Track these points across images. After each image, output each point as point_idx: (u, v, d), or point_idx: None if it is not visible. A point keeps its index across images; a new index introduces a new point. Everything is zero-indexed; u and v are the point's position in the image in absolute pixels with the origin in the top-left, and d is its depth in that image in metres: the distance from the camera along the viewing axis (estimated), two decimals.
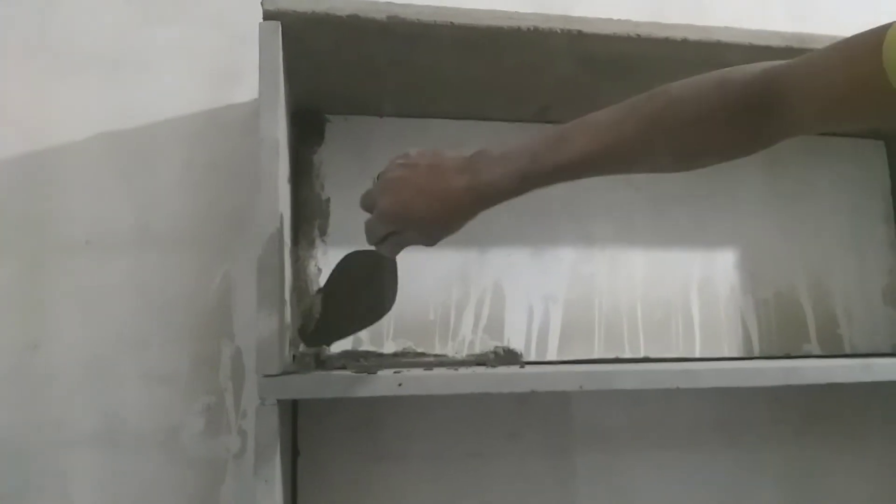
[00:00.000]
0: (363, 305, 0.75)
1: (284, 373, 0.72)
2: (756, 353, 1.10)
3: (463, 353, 1.01)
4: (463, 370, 0.77)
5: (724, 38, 0.84)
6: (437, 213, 0.67)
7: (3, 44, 0.97)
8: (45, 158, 0.96)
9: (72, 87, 0.98)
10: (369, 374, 0.72)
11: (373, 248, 0.73)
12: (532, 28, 0.79)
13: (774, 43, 0.86)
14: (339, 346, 0.98)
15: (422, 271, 1.02)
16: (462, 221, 0.68)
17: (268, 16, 0.74)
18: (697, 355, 1.07)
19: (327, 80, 0.91)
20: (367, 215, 0.73)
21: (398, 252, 0.73)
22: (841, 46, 0.52)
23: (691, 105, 0.62)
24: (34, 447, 0.91)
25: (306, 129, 1.01)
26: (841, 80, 0.51)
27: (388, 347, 0.99)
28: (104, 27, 0.99)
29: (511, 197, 0.68)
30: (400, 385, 0.71)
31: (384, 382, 0.71)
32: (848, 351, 1.12)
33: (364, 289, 0.76)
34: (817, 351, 1.11)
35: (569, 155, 0.67)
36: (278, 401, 0.69)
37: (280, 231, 0.72)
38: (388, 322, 1.00)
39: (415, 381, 0.72)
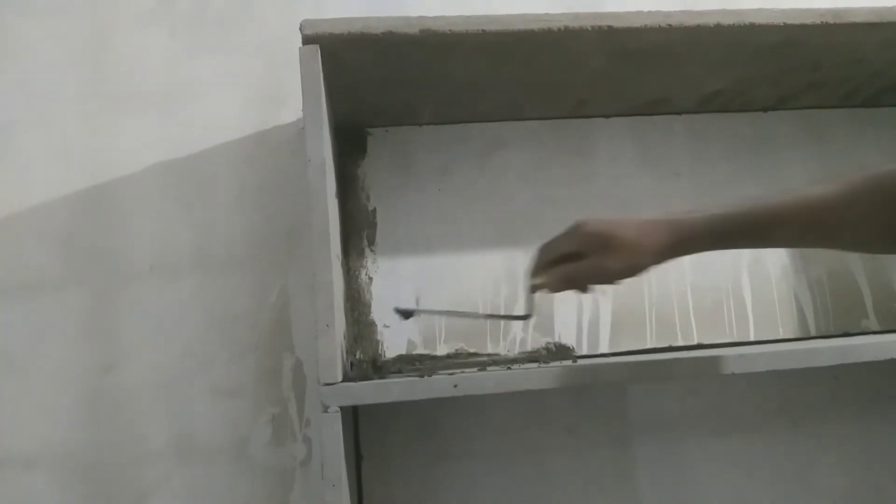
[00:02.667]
0: None
1: (344, 380, 0.75)
2: (812, 333, 1.08)
3: (515, 352, 1.02)
4: (516, 368, 0.79)
5: (758, 19, 0.83)
6: (645, 239, 0.68)
7: (61, 87, 1.03)
8: (108, 191, 1.01)
9: (128, 123, 1.03)
10: (424, 377, 0.74)
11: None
12: (563, 28, 0.80)
13: (809, 20, 0.84)
14: (393, 351, 1.01)
15: (470, 272, 1.04)
16: (662, 254, 0.69)
17: (307, 40, 0.77)
18: (752, 339, 1.06)
19: (366, 95, 0.94)
20: None
21: (567, 289, 0.73)
22: None
23: None
24: (113, 465, 0.96)
25: (349, 143, 1.04)
26: None
27: (441, 350, 1.02)
28: (153, 63, 1.04)
29: (707, 243, 0.69)
30: (455, 386, 0.73)
31: (440, 384, 0.74)
32: None
33: None
34: (876, 327, 1.09)
35: (767, 208, 0.66)
36: (340, 407, 0.72)
37: (331, 246, 0.75)
38: (439, 324, 1.02)
39: (469, 381, 0.74)
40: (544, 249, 0.73)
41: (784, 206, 0.65)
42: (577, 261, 0.70)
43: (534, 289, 0.74)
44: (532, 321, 1.02)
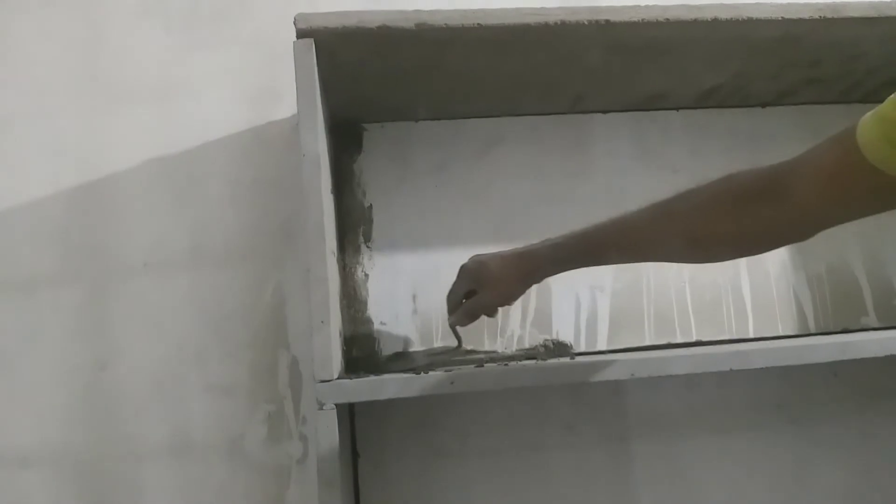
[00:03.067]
0: None
1: (340, 377, 0.74)
2: (812, 330, 1.07)
3: (513, 349, 1.02)
4: (513, 365, 0.78)
5: (755, 14, 0.83)
6: (506, 273, 0.82)
7: (56, 81, 1.02)
8: (102, 187, 1.00)
9: (122, 118, 1.02)
10: (420, 373, 0.74)
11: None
12: (559, 22, 0.80)
13: (807, 15, 0.84)
14: (389, 348, 1.00)
15: None
16: (522, 283, 0.83)
17: (301, 34, 0.76)
18: (751, 335, 1.06)
19: (362, 90, 0.94)
20: None
21: (471, 321, 0.87)
22: (833, 135, 0.59)
23: (700, 192, 0.68)
24: (108, 463, 0.95)
25: (345, 139, 1.03)
26: (829, 161, 0.59)
27: (438, 345, 1.01)
28: (148, 58, 1.04)
29: (552, 268, 0.82)
30: (452, 383, 0.73)
31: (436, 381, 0.73)
32: None
33: None
34: (875, 324, 1.08)
35: (593, 232, 0.76)
36: (336, 405, 0.71)
37: (326, 242, 0.74)
38: (436, 322, 1.01)
39: (466, 378, 0.73)
40: (449, 296, 0.88)
41: (608, 230, 0.75)
42: (468, 297, 0.86)
43: (451, 325, 0.90)
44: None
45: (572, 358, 0.87)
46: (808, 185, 0.60)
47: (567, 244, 0.78)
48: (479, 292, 0.84)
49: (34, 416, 0.95)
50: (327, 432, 0.71)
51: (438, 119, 1.05)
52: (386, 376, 0.75)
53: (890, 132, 0.55)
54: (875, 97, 1.10)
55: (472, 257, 0.86)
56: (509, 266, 0.82)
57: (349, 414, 0.96)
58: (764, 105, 1.11)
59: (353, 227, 1.02)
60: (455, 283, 0.87)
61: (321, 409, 0.71)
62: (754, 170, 0.65)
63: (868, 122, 0.57)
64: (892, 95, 0.56)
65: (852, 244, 1.10)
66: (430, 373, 0.74)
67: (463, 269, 0.86)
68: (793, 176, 0.61)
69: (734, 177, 0.66)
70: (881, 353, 0.78)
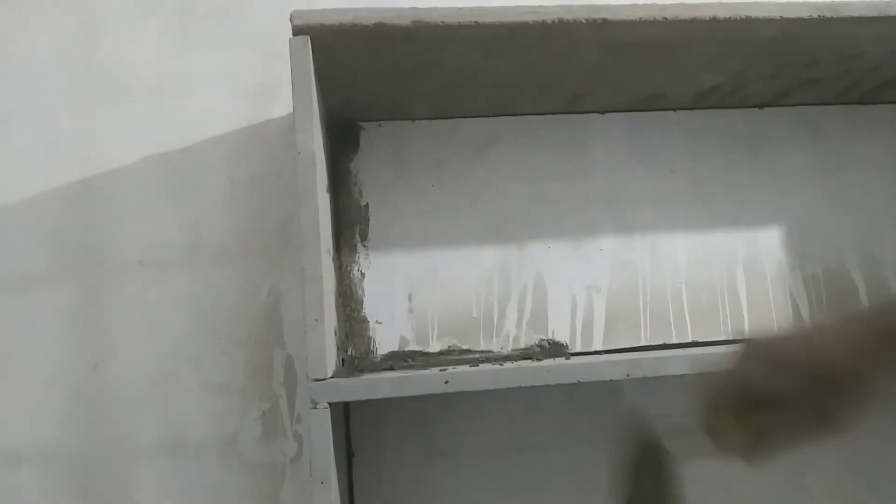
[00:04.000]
0: None
1: (334, 376, 0.74)
2: None
3: (508, 348, 1.01)
4: (508, 365, 0.78)
5: (754, 13, 0.82)
6: (858, 361, 0.47)
7: (51, 77, 1.02)
8: (97, 185, 1.00)
9: (118, 115, 1.01)
10: (415, 371, 0.73)
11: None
12: (557, 20, 0.79)
13: (806, 14, 0.83)
14: (385, 348, 1.00)
15: (464, 268, 1.03)
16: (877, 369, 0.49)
17: (297, 31, 0.76)
18: (748, 336, 1.06)
19: (359, 88, 0.93)
20: None
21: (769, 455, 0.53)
22: None
23: None
24: (102, 461, 0.95)
25: (342, 138, 1.03)
26: None
27: (434, 346, 1.01)
28: (144, 55, 1.03)
29: None
30: (447, 383, 0.72)
31: (431, 381, 0.73)
32: None
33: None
34: None
35: None
36: (330, 404, 0.71)
37: (321, 241, 0.74)
38: (432, 321, 1.01)
39: (461, 377, 0.73)
40: (721, 392, 0.53)
41: None
42: (770, 407, 0.50)
43: (727, 446, 0.55)
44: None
45: (567, 358, 0.87)
46: None
47: None
48: (806, 399, 0.49)
49: (28, 413, 0.95)
50: (321, 431, 0.71)
51: (435, 118, 1.05)
52: (380, 375, 0.75)
53: None
54: (872, 98, 1.11)
55: (765, 337, 0.51)
56: (862, 343, 0.48)
57: (344, 413, 0.95)
58: (762, 106, 1.11)
59: (349, 226, 1.02)
60: (738, 374, 0.53)
61: (315, 407, 0.71)
62: None
63: None
64: None
65: (849, 246, 1.10)
66: (426, 372, 0.74)
67: (758, 353, 0.51)
68: None
69: None
70: None
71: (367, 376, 0.75)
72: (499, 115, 1.06)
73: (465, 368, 0.76)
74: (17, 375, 0.95)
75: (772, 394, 0.49)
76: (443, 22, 0.78)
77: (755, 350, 0.51)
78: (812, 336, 0.51)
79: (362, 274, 1.02)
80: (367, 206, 1.03)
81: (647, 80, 0.99)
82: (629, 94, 1.04)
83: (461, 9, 0.78)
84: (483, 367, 0.77)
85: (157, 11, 1.04)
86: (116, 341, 0.97)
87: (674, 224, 1.07)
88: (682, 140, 1.09)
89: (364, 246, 1.02)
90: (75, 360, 0.96)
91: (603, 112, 1.08)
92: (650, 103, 1.07)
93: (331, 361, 0.76)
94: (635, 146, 1.09)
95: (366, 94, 0.96)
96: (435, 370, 0.75)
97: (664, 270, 1.05)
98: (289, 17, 0.76)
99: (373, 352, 1.00)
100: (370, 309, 1.01)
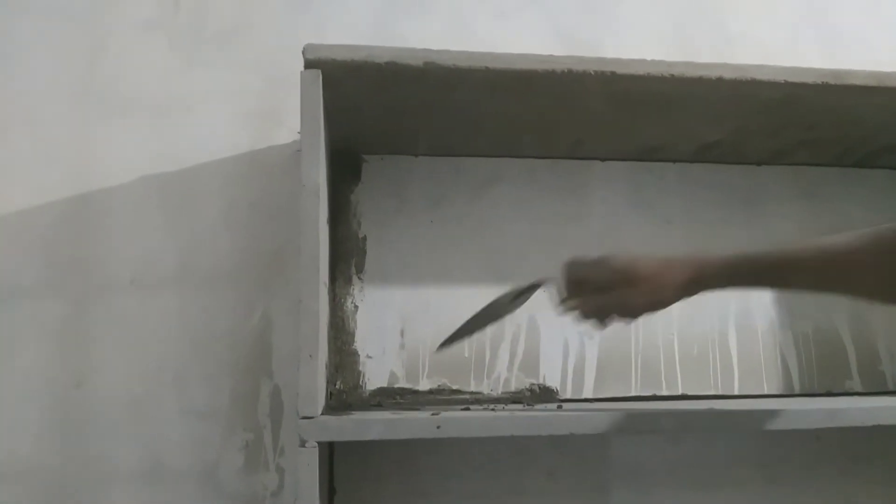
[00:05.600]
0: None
1: (324, 413, 0.73)
2: (796, 390, 1.08)
3: (498, 391, 1.01)
4: (501, 412, 0.77)
5: (759, 75, 0.84)
6: (665, 276, 0.72)
7: (53, 89, 1.01)
8: (92, 200, 0.99)
9: (118, 131, 1.01)
10: (405, 413, 0.72)
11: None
12: (567, 70, 0.80)
13: (810, 80, 0.85)
14: (374, 383, 0.99)
15: (457, 306, 1.02)
16: (682, 290, 0.73)
17: (309, 64, 0.76)
18: (736, 392, 1.06)
19: (364, 122, 0.93)
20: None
21: (600, 324, 0.76)
22: None
23: None
24: (78, 483, 0.92)
25: (344, 169, 1.03)
26: None
27: (424, 385, 1.00)
28: (149, 72, 1.03)
29: (726, 280, 0.72)
30: (438, 427, 0.72)
31: (423, 425, 0.72)
32: (891, 388, 1.09)
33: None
34: (859, 388, 1.08)
35: (785, 251, 0.70)
36: (318, 442, 0.70)
37: (320, 275, 0.73)
38: (422, 359, 1.00)
39: (453, 423, 0.72)
40: (571, 268, 0.77)
41: (802, 250, 0.69)
42: (602, 292, 0.74)
43: (565, 310, 0.78)
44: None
45: (559, 406, 0.86)
46: None
47: (748, 259, 0.71)
48: (621, 290, 0.73)
49: (5, 428, 0.92)
50: (308, 471, 0.69)
51: (438, 155, 1.05)
52: (370, 416, 0.74)
53: None
54: (868, 162, 1.13)
55: (620, 255, 0.75)
56: (672, 269, 0.72)
57: (328, 447, 0.94)
58: (759, 163, 1.13)
59: (345, 258, 1.02)
60: (586, 266, 0.76)
61: (303, 446, 0.70)
62: None
63: None
64: None
65: (839, 306, 1.11)
66: (417, 415, 0.73)
67: (605, 260, 0.75)
68: None
69: None
70: (869, 423, 0.78)
71: (357, 416, 0.74)
72: (501, 156, 1.07)
73: (458, 413, 0.75)
74: None
75: (601, 286, 0.74)
76: (454, 65, 0.79)
77: (599, 260, 0.76)
78: (638, 258, 0.74)
79: (356, 306, 1.01)
80: (364, 238, 1.03)
81: (649, 132, 1.01)
82: (630, 143, 1.05)
83: (472, 53, 0.79)
84: (475, 413, 0.76)
85: (165, 30, 1.04)
86: (101, 360, 0.95)
87: None
88: (679, 192, 1.10)
89: (359, 278, 1.02)
90: (57, 377, 0.94)
91: (603, 159, 1.09)
92: (650, 154, 1.08)
93: (321, 398, 0.75)
94: (633, 195, 1.09)
95: (371, 127, 0.96)
96: (426, 413, 0.74)
97: (656, 321, 1.05)
98: (298, 47, 0.76)
99: (361, 386, 0.98)
100: (361, 342, 1.00)
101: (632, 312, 0.75)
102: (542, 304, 1.04)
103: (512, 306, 0.84)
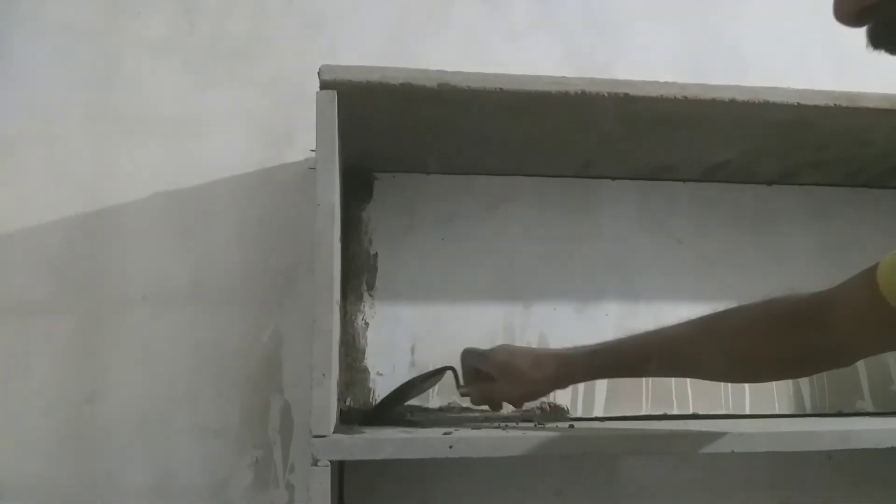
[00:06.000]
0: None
1: (336, 431, 0.73)
2: (808, 410, 1.07)
3: (508, 409, 1.00)
4: (513, 431, 0.77)
5: (772, 97, 0.84)
6: (537, 372, 0.82)
7: (69, 107, 1.02)
8: (105, 217, 0.99)
9: (132, 149, 1.02)
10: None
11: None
12: (579, 92, 0.81)
13: (822, 102, 0.86)
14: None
15: (467, 324, 1.03)
16: (550, 384, 0.84)
17: (324, 85, 0.77)
18: (748, 411, 1.05)
19: (377, 141, 0.94)
20: None
21: (483, 404, 0.88)
22: (862, 271, 0.61)
23: (742, 313, 0.70)
24: (88, 499, 0.93)
25: (355, 186, 1.03)
26: (858, 298, 0.61)
27: (434, 402, 1.00)
28: (164, 91, 1.04)
29: (587, 374, 0.85)
30: (451, 447, 0.72)
31: (435, 445, 0.72)
32: None
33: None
34: (871, 408, 1.08)
35: (633, 343, 0.77)
36: (330, 461, 0.70)
37: (334, 294, 0.74)
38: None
39: (466, 443, 0.72)
40: (465, 358, 0.88)
41: (648, 342, 0.76)
42: (490, 381, 0.84)
43: (462, 394, 0.90)
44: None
45: (571, 425, 0.86)
46: (843, 318, 0.63)
47: (604, 352, 0.79)
48: (502, 381, 0.83)
49: (16, 444, 0.92)
50: (320, 490, 0.69)
51: (449, 173, 1.06)
52: (383, 435, 0.74)
53: None
54: (878, 183, 1.13)
55: (502, 346, 0.86)
56: (542, 366, 0.81)
57: (338, 464, 0.94)
58: (770, 183, 1.13)
59: (356, 274, 1.02)
60: (477, 356, 0.86)
61: (315, 464, 0.70)
62: (794, 296, 0.68)
63: (886, 264, 0.59)
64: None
65: None
66: (429, 435, 0.73)
67: (489, 355, 0.85)
68: (830, 307, 0.64)
69: (775, 301, 0.68)
70: (883, 445, 0.77)
71: (370, 435, 0.74)
72: (512, 175, 1.07)
73: (470, 433, 0.75)
74: (8, 405, 0.93)
75: (488, 376, 0.84)
76: (468, 86, 0.79)
77: (485, 353, 0.86)
78: (515, 354, 0.84)
79: (366, 323, 1.01)
80: (375, 255, 1.03)
81: (660, 152, 1.01)
82: (641, 163, 1.05)
83: (486, 75, 0.80)
84: (487, 433, 0.76)
85: (180, 48, 1.06)
86: (112, 377, 0.96)
87: (678, 293, 1.08)
88: (689, 211, 1.11)
89: (370, 295, 1.02)
90: (68, 392, 0.95)
91: (614, 178, 1.10)
92: (661, 173, 1.08)
93: (333, 416, 0.75)
94: (644, 214, 1.10)
95: (383, 146, 0.97)
96: (439, 432, 0.74)
97: None
98: (313, 67, 0.77)
99: (371, 403, 0.98)
100: (372, 359, 1.00)
101: (513, 402, 0.86)
102: (551, 322, 1.05)
103: (424, 386, 0.93)
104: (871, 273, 0.60)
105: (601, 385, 1.03)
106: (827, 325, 0.64)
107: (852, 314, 0.62)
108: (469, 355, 0.87)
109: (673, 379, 1.04)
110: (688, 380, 1.04)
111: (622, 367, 0.80)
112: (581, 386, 1.02)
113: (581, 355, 0.81)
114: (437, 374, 0.92)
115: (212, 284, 0.99)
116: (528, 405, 0.91)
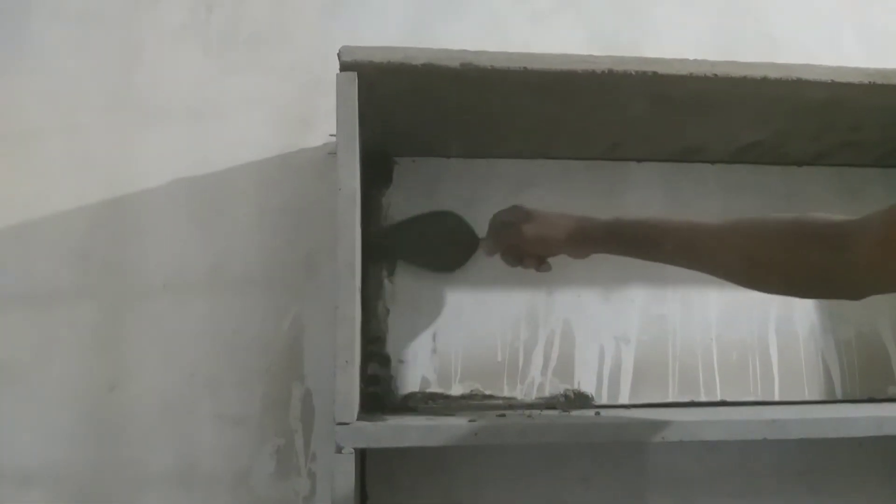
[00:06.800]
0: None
1: (359, 419, 0.72)
2: (838, 396, 1.05)
3: (532, 396, 0.99)
4: (539, 419, 0.76)
5: (805, 75, 0.81)
6: (559, 223, 0.86)
7: (89, 95, 1.01)
8: (126, 205, 0.99)
9: (152, 136, 1.01)
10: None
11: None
12: (607, 71, 0.78)
13: (856, 79, 0.83)
14: (406, 388, 0.98)
15: (490, 312, 1.01)
16: (567, 243, 0.86)
17: (345, 67, 0.75)
18: (777, 398, 1.03)
19: (397, 124, 0.92)
20: None
21: (498, 250, 0.94)
22: (892, 206, 0.59)
23: (770, 221, 0.70)
24: (111, 487, 0.93)
25: (375, 171, 1.02)
26: (882, 229, 0.59)
27: (456, 390, 0.99)
28: (183, 78, 1.03)
29: (608, 240, 0.83)
30: (476, 434, 0.70)
31: (460, 432, 0.71)
32: None
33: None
34: None
35: (656, 221, 0.79)
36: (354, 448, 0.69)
37: (356, 281, 0.72)
38: (455, 364, 0.99)
39: (490, 430, 0.71)
40: (495, 217, 0.93)
41: (671, 222, 0.77)
42: (510, 229, 0.89)
43: (483, 248, 0.97)
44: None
45: (597, 413, 0.85)
46: (863, 245, 0.60)
47: (627, 223, 0.80)
48: (522, 225, 0.87)
49: (39, 432, 0.93)
50: (344, 477, 0.68)
51: (471, 157, 1.04)
52: (407, 423, 0.73)
53: None
54: None
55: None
56: (566, 217, 0.86)
57: (360, 452, 0.93)
58: (800, 164, 1.10)
59: (376, 260, 1.01)
60: (505, 211, 0.91)
61: (339, 452, 0.69)
62: (825, 217, 0.66)
63: None
64: None
65: (883, 312, 1.08)
66: (454, 422, 0.72)
67: (518, 204, 0.90)
68: (853, 234, 0.62)
69: (806, 216, 0.67)
70: None
71: (394, 422, 0.73)
72: (535, 158, 1.05)
73: (495, 420, 0.73)
74: (31, 392, 0.94)
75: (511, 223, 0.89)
76: (492, 66, 0.77)
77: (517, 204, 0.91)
78: (543, 217, 0.87)
79: (387, 310, 1.00)
80: None
81: (689, 133, 0.98)
82: (668, 144, 1.03)
83: (511, 54, 0.78)
84: (512, 420, 0.75)
85: (200, 35, 1.04)
86: (134, 365, 0.96)
87: (706, 278, 1.04)
88: (718, 194, 1.08)
89: (390, 281, 1.01)
90: (91, 381, 0.95)
91: (640, 161, 1.07)
92: (688, 155, 1.06)
93: (356, 403, 0.74)
94: (671, 197, 1.07)
95: (403, 129, 0.95)
96: (464, 420, 0.73)
97: (695, 326, 1.03)
98: (333, 50, 0.76)
99: (393, 391, 0.97)
100: (393, 347, 0.99)
101: (530, 245, 0.88)
102: (575, 309, 1.03)
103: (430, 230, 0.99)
104: None
105: (626, 372, 1.01)
106: (846, 250, 0.62)
107: (872, 243, 0.60)
108: (498, 213, 0.92)
109: (700, 363, 1.02)
110: (715, 364, 1.02)
111: (640, 240, 0.79)
112: (606, 372, 1.01)
113: (604, 219, 0.83)
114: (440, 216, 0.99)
115: (233, 271, 0.99)
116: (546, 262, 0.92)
